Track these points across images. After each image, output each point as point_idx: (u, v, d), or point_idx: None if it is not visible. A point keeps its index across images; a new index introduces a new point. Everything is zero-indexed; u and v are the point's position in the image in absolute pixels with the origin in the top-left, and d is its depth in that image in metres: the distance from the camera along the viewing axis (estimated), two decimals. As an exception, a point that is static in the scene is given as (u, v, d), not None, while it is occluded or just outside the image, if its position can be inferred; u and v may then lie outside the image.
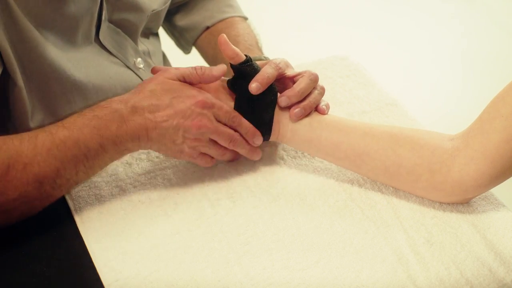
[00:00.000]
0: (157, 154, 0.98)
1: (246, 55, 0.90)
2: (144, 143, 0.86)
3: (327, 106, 0.93)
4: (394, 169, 0.87)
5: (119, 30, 0.99)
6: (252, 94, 0.88)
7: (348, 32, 2.71)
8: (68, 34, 0.92)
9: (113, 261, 0.81)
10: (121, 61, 1.01)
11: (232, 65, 0.91)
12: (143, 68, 1.03)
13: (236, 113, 0.89)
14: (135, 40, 1.05)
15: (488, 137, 0.80)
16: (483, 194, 0.90)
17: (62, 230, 0.85)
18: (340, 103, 1.10)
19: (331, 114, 0.93)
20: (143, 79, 1.02)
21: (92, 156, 0.82)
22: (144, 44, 1.09)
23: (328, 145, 0.91)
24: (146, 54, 1.09)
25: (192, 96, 0.86)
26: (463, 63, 2.54)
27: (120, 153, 0.86)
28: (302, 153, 0.99)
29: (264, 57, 1.05)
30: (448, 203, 0.88)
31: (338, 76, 1.17)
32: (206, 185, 0.93)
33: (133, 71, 1.02)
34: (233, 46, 0.89)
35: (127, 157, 0.97)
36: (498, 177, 0.82)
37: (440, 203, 0.89)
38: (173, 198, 0.90)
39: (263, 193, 0.92)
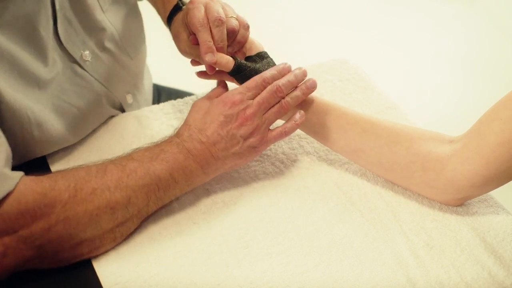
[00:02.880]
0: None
1: (233, 57, 0.92)
2: (213, 166, 0.87)
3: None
4: (388, 166, 0.89)
5: (71, 19, 0.94)
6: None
7: (348, 35, 2.71)
8: (27, 31, 0.86)
9: (113, 264, 0.81)
10: (69, 53, 0.95)
11: (228, 74, 0.93)
12: (90, 61, 0.99)
13: (256, 80, 0.90)
14: (92, 18, 0.98)
15: (485, 138, 0.80)
16: (482, 197, 0.90)
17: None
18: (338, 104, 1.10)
19: (337, 104, 0.94)
20: (90, 72, 0.99)
21: (164, 187, 0.84)
22: (109, 21, 1.03)
23: (325, 141, 0.95)
24: (108, 37, 1.03)
25: (221, 103, 0.88)
26: (463, 66, 2.54)
27: (190, 184, 0.87)
28: (302, 156, 0.99)
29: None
30: (444, 204, 0.89)
31: (338, 80, 1.17)
32: (207, 188, 0.93)
33: (79, 64, 0.97)
34: (219, 55, 0.90)
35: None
36: (491, 179, 0.82)
37: (440, 206, 0.89)
38: (173, 202, 0.90)
39: (262, 196, 0.92)
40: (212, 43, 0.90)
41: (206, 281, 0.79)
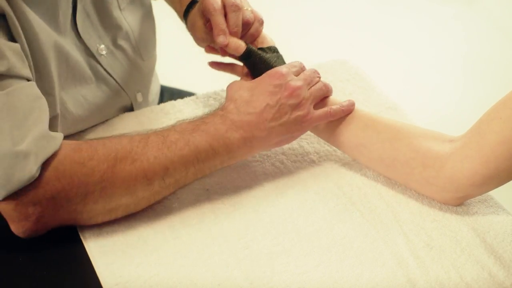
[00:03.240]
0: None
1: (245, 43, 0.94)
2: (258, 139, 0.88)
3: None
4: (389, 161, 0.89)
5: (89, 12, 0.97)
6: (263, 72, 0.92)
7: (348, 35, 2.71)
8: (51, 12, 0.88)
9: (113, 264, 0.81)
10: (87, 46, 0.98)
11: (239, 58, 0.95)
12: (105, 55, 1.01)
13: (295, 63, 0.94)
14: (109, 15, 1.01)
15: (485, 137, 0.81)
16: (482, 197, 0.90)
17: (62, 234, 0.85)
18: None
19: (339, 100, 0.95)
20: (104, 66, 1.01)
21: (203, 158, 0.85)
22: (125, 20, 1.05)
23: (328, 135, 0.95)
24: (123, 35, 1.05)
25: (268, 76, 0.90)
26: (463, 66, 2.54)
27: (232, 157, 0.88)
28: (302, 157, 0.99)
29: None
30: (444, 203, 0.89)
31: (338, 80, 1.17)
32: (207, 188, 0.93)
33: (95, 58, 1.00)
34: (231, 38, 0.93)
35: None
36: (491, 178, 0.82)
37: (440, 206, 0.89)
38: (173, 202, 0.90)
39: (263, 196, 0.92)
40: (225, 26, 0.93)
41: (206, 281, 0.80)
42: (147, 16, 1.13)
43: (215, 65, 1.02)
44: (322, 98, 0.94)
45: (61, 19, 0.90)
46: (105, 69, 1.02)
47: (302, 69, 0.94)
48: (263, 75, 0.90)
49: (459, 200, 0.88)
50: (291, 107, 0.89)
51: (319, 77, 0.94)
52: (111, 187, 0.80)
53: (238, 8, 0.93)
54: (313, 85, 0.92)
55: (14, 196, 0.77)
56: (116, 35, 1.03)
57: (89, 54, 0.98)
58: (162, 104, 1.11)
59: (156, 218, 0.87)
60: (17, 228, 0.80)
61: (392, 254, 0.83)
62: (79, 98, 0.98)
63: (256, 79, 0.91)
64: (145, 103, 1.15)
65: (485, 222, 0.87)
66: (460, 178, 0.83)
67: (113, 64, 1.03)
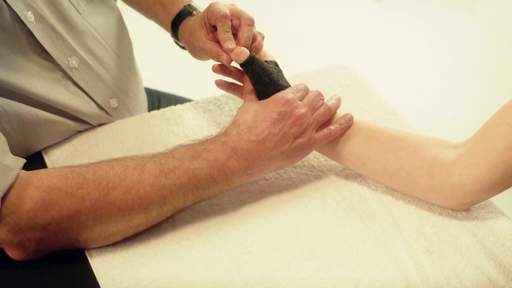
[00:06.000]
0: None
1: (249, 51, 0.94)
2: (258, 167, 0.88)
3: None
4: (394, 171, 0.89)
5: (55, 26, 0.94)
6: (263, 80, 0.92)
7: (348, 41, 2.72)
8: None
9: (113, 270, 0.81)
10: (54, 61, 0.96)
11: (240, 65, 0.94)
12: (77, 67, 0.99)
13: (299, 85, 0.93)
14: (72, 23, 0.98)
15: (491, 143, 0.81)
16: (482, 203, 0.90)
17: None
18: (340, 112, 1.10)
19: (339, 114, 0.95)
20: (77, 81, 0.99)
21: (202, 186, 0.85)
22: (88, 23, 1.02)
23: (330, 150, 0.94)
24: (91, 39, 1.02)
25: (273, 101, 0.89)
26: (463, 71, 2.55)
27: (231, 184, 0.88)
28: (302, 162, 0.99)
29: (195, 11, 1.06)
30: (448, 209, 0.89)
31: (338, 86, 1.17)
32: (206, 194, 0.93)
33: (66, 73, 0.98)
34: (238, 48, 0.92)
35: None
36: (498, 184, 0.82)
37: (440, 211, 0.89)
38: (173, 207, 0.90)
39: (262, 202, 0.92)
40: (230, 33, 0.93)
41: (206, 286, 0.79)
42: (109, 8, 1.11)
43: (221, 85, 1.01)
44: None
45: (2, 51, 0.88)
46: (76, 83, 1.00)
47: (306, 91, 0.92)
48: (269, 99, 0.90)
49: (465, 206, 0.88)
50: (293, 135, 0.88)
51: (323, 99, 0.93)
52: (106, 215, 0.79)
53: (252, 23, 0.94)
54: (317, 109, 0.91)
55: (6, 226, 0.76)
56: (85, 41, 1.01)
57: (60, 69, 0.96)
58: (162, 110, 1.11)
59: (156, 224, 0.87)
60: (13, 255, 0.79)
61: (392, 259, 0.83)
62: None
63: (261, 101, 0.90)
64: (124, 106, 1.11)
65: (485, 227, 0.87)
66: (467, 185, 0.83)
67: (86, 75, 1.01)
